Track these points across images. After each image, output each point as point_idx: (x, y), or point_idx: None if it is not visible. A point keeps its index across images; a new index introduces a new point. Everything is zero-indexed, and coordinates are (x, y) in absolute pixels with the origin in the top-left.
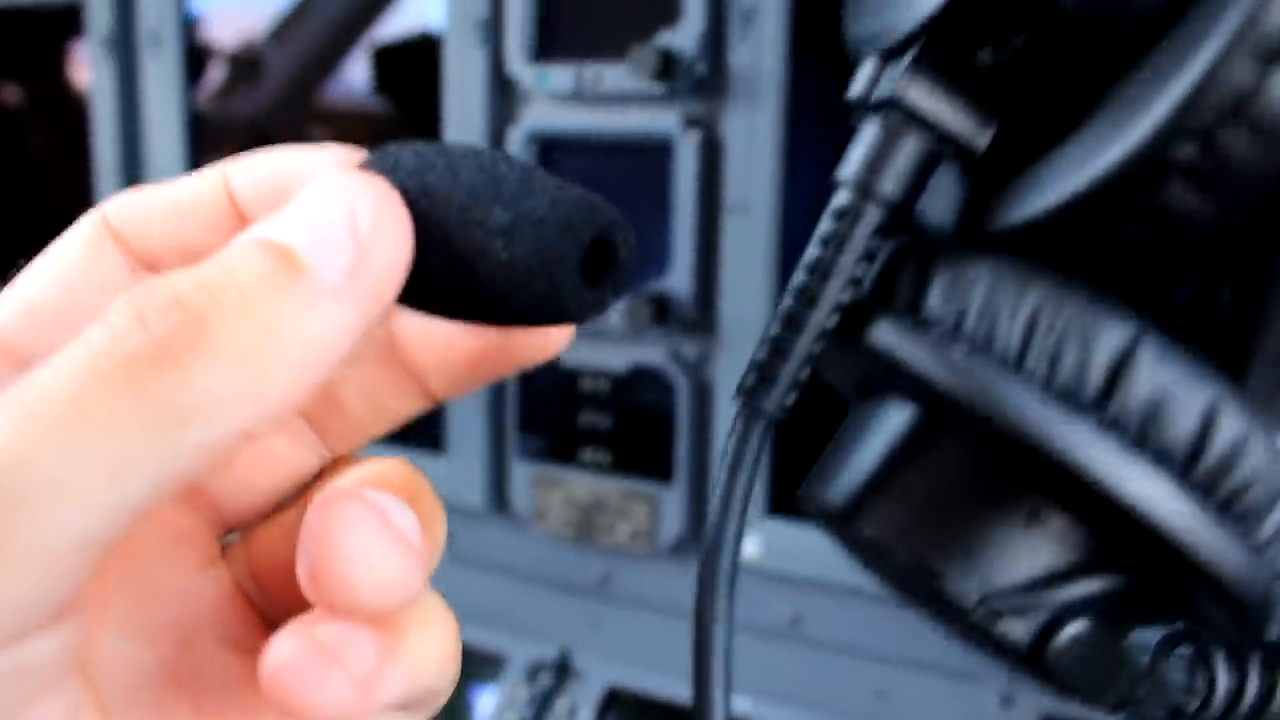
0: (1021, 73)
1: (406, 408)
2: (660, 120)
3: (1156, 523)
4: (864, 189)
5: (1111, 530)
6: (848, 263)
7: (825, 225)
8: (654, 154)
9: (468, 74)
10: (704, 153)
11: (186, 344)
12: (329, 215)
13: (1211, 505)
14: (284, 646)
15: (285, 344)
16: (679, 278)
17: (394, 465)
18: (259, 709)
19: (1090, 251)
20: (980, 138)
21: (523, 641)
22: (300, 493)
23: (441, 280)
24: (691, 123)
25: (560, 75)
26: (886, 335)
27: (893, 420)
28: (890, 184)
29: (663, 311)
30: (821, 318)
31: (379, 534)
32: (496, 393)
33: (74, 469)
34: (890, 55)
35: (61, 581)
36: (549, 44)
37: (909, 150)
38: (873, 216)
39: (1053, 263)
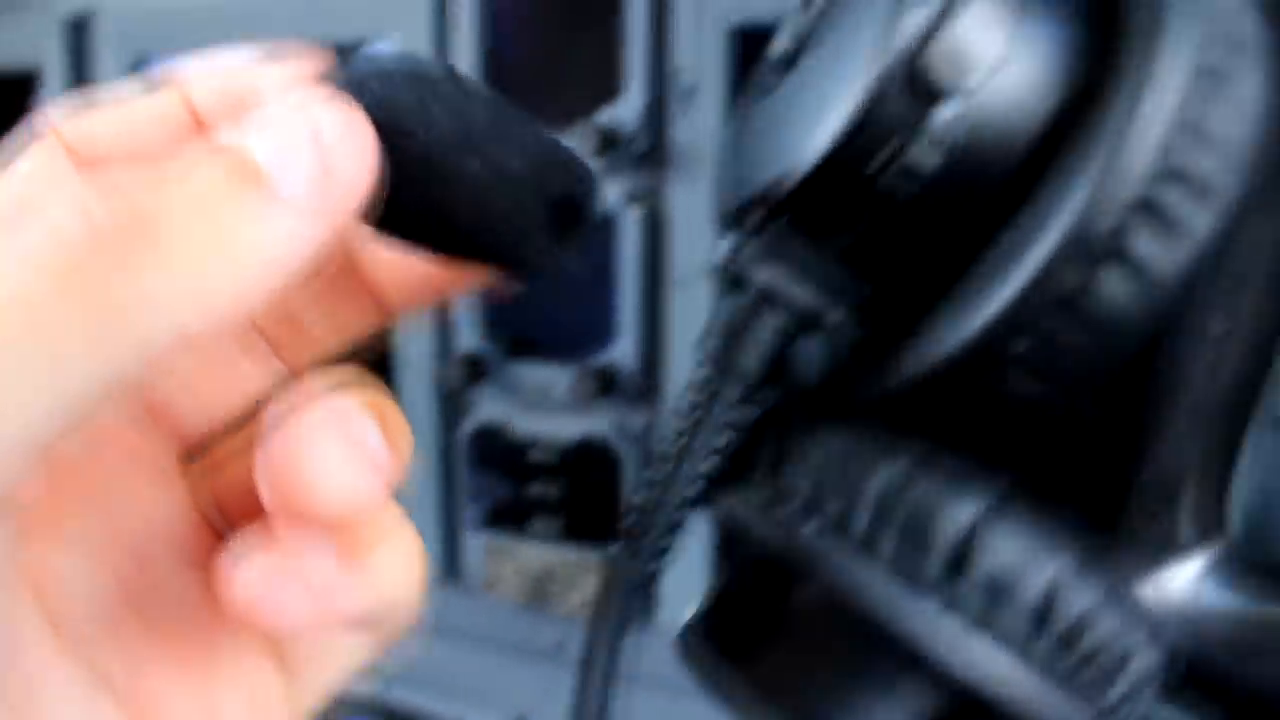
0: (873, 251)
1: (364, 325)
2: (604, 194)
3: (1000, 700)
4: (723, 365)
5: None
6: (707, 437)
7: (688, 396)
8: (599, 227)
9: None
10: (647, 226)
11: (132, 239)
12: (293, 128)
13: (1054, 679)
14: (242, 554)
15: (236, 250)
16: (624, 351)
17: (356, 379)
18: (217, 630)
19: (952, 417)
20: (835, 312)
21: (478, 708)
22: (259, 413)
23: (402, 213)
24: (635, 197)
25: None
26: (742, 510)
27: (758, 581)
28: (748, 360)
29: (608, 385)
30: (684, 488)
31: (339, 438)
32: (447, 463)
33: (9, 364)
34: (749, 231)
35: None
36: None
37: (766, 326)
38: (732, 393)
39: (917, 426)
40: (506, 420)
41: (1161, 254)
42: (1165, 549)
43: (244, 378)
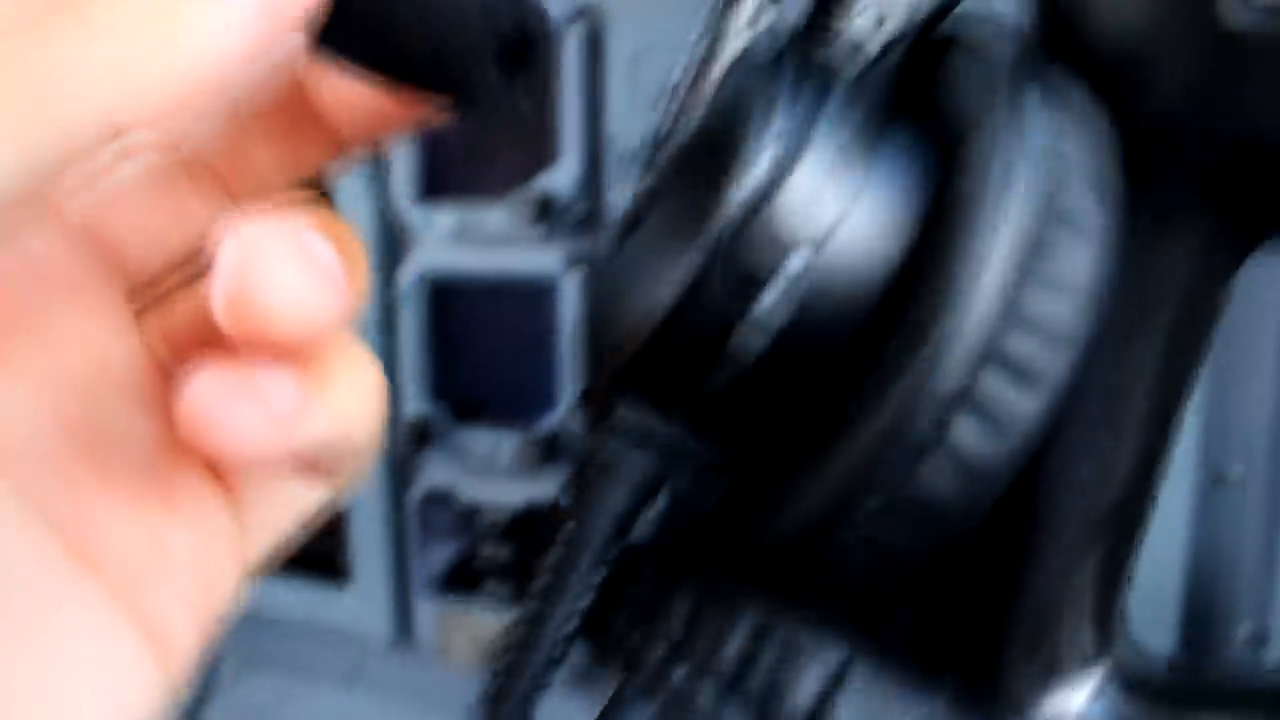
0: (720, 411)
1: (315, 159)
2: (542, 260)
3: None
4: (589, 507)
5: None
6: (580, 578)
7: (563, 533)
8: (539, 293)
9: (357, 216)
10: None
11: (58, 10)
12: None
13: None
14: (202, 380)
15: (168, 30)
16: (566, 418)
17: (312, 206)
18: (169, 472)
19: (814, 567)
20: (698, 459)
21: None
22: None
23: (345, 34)
24: (573, 262)
25: (445, 217)
26: (612, 656)
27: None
28: (612, 505)
29: (552, 450)
30: (559, 624)
31: (294, 256)
32: (398, 528)
33: None
34: (606, 386)
35: None
36: (435, 185)
37: (631, 472)
38: (600, 533)
39: (781, 575)
40: (454, 486)
41: (1017, 402)
42: (1053, 673)
43: (194, 213)
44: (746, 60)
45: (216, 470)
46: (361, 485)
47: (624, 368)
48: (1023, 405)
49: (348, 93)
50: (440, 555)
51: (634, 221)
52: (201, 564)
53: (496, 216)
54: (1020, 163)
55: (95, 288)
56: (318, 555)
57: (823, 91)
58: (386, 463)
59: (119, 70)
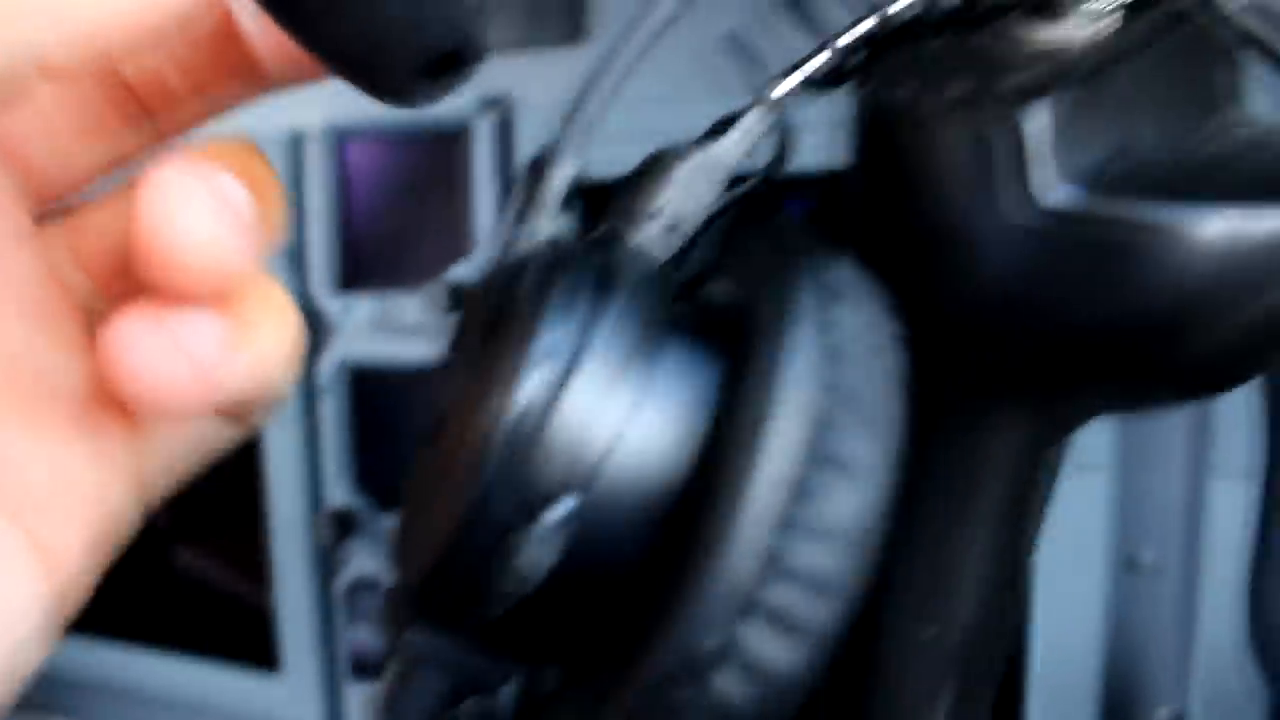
0: (519, 621)
1: (240, 93)
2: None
3: None
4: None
5: None
6: None
7: None
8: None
9: None
10: None
11: None
12: None
13: None
14: (123, 328)
15: None
16: None
17: (231, 144)
18: (71, 394)
19: None
20: (496, 677)
21: None
22: (128, 176)
23: (284, 11)
24: None
25: (363, 306)
26: None
27: None
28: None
29: None
30: None
31: (204, 201)
32: (326, 616)
33: None
34: (403, 605)
35: None
36: (353, 274)
37: (424, 691)
38: None
39: None
40: (381, 573)
41: (810, 608)
42: None
43: (110, 133)
44: (540, 256)
45: (121, 402)
46: (290, 575)
47: (412, 594)
48: (816, 611)
49: (275, 34)
50: (369, 642)
51: (437, 423)
52: (101, 492)
53: (415, 305)
54: (806, 354)
55: (7, 209)
56: (247, 644)
57: (613, 291)
58: (313, 552)
59: (50, 13)
